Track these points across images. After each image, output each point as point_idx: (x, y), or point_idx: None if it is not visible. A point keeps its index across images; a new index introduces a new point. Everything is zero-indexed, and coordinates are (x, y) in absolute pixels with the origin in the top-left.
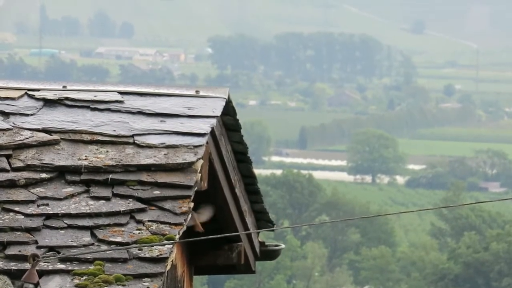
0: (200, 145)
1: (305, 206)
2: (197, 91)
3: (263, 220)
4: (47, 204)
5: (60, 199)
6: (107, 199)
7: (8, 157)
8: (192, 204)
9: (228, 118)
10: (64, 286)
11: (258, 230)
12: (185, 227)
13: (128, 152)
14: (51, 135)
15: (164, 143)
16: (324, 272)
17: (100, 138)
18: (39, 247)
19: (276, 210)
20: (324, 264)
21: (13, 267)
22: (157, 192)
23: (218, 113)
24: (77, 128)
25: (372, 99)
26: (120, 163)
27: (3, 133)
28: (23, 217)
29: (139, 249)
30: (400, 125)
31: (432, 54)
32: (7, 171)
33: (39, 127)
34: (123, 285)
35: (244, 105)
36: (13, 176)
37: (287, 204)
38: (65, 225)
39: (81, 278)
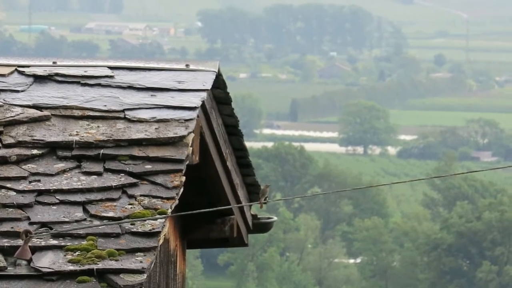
0: (191, 119)
1: (297, 178)
2: (187, 65)
3: (255, 193)
4: (38, 180)
5: (51, 175)
6: (98, 174)
7: None
8: (184, 178)
9: (219, 91)
10: (57, 262)
11: (250, 203)
12: (177, 201)
13: (119, 127)
14: (42, 111)
15: (155, 118)
16: (317, 244)
17: (91, 113)
18: (31, 223)
19: (268, 182)
20: (317, 236)
21: (6, 244)
22: (148, 167)
23: (209, 87)
24: (67, 104)
25: (362, 70)
26: (111, 138)
27: None
28: (15, 193)
29: (131, 224)
30: (391, 96)
31: (422, 25)
32: None
33: (30, 103)
34: (116, 260)
35: (234, 78)
36: (4, 153)
37: (279, 177)
38: (57, 201)
39: (74, 254)
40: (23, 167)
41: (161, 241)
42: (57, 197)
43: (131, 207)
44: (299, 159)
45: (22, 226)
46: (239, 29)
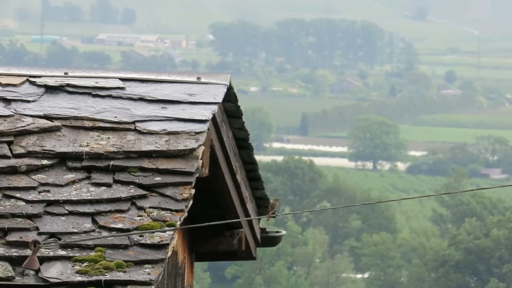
0: (202, 132)
1: (306, 193)
2: (198, 78)
3: (264, 207)
4: (48, 191)
5: (61, 186)
6: (108, 185)
7: (9, 143)
8: (193, 191)
9: (230, 104)
10: (65, 273)
11: (259, 217)
12: (186, 214)
13: (129, 138)
14: (53, 121)
15: (165, 130)
16: (325, 259)
17: (102, 124)
18: (40, 234)
19: (277, 196)
20: (325, 250)
21: (14, 254)
22: (158, 179)
23: (220, 100)
24: (78, 115)
25: (373, 85)
26: (121, 150)
27: (5, 120)
28: (24, 203)
29: (140, 236)
30: (401, 111)
31: (434, 41)
32: (8, 157)
33: (41, 113)
34: (124, 272)
35: (245, 92)
36: (14, 163)
37: (288, 191)
38: (66, 212)
39: (82, 265)
40: (33, 177)
41: (169, 253)
42: (66, 208)
43: (140, 219)
44: (308, 173)
45: (31, 236)
46: (250, 42)
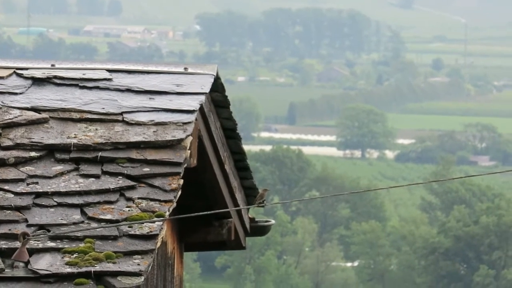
0: (189, 122)
1: (295, 182)
2: (185, 68)
3: (252, 196)
4: (36, 183)
5: (49, 178)
6: (96, 177)
7: None
8: (181, 181)
9: (217, 94)
10: (55, 264)
11: (248, 206)
12: (175, 204)
13: (117, 129)
14: (40, 113)
15: (153, 120)
16: (314, 247)
17: (89, 116)
18: (29, 226)
19: (265, 186)
20: (314, 239)
21: (3, 246)
22: (146, 169)
23: (207, 90)
24: (66, 107)
25: (360, 74)
26: (109, 141)
27: None
28: (12, 195)
29: (129, 227)
30: (389, 100)
31: (421, 29)
32: None
33: (28, 105)
34: (114, 263)
35: (232, 82)
36: (2, 155)
37: (277, 180)
38: (55, 203)
39: (72, 256)
40: (21, 169)
41: (158, 244)
42: (55, 200)
43: (129, 210)
44: (297, 163)
45: (20, 228)
46: (237, 32)
